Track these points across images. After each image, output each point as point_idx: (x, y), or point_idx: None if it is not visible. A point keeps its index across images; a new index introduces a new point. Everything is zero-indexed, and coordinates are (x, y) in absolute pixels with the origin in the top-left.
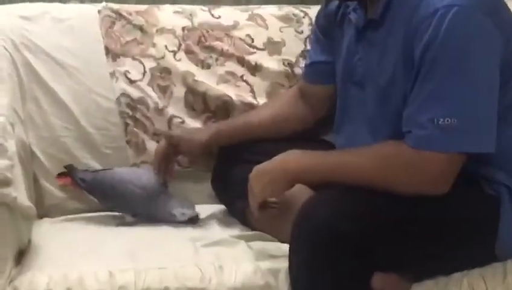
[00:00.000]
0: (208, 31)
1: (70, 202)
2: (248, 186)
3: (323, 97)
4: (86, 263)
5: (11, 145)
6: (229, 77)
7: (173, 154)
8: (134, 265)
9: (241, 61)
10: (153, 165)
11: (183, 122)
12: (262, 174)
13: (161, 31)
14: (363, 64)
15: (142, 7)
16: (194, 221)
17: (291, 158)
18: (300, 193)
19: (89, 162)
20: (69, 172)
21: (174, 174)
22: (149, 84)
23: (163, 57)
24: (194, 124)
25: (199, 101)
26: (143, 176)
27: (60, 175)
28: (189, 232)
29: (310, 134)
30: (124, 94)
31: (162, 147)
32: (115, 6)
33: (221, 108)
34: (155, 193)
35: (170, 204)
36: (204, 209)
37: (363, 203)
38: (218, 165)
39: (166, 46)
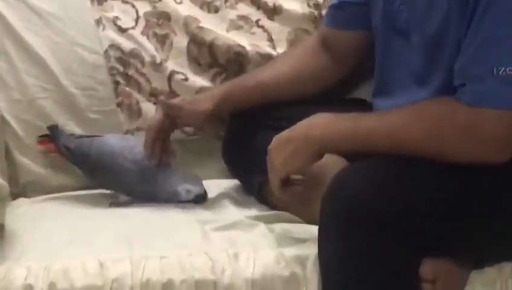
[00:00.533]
0: None
1: (53, 177)
2: (267, 160)
3: (352, 46)
4: (71, 252)
5: None
6: (242, 23)
7: (171, 129)
8: (130, 253)
9: (257, 3)
10: (145, 144)
11: (186, 79)
12: (284, 144)
13: None
14: (408, 8)
15: None
16: (201, 200)
17: (319, 123)
18: (332, 164)
19: (72, 129)
20: (51, 135)
21: (173, 153)
22: (143, 33)
23: None
24: (199, 81)
25: (205, 53)
26: (137, 146)
27: (42, 139)
28: (196, 213)
29: (338, 92)
30: (113, 46)
31: (157, 121)
32: None
33: (233, 61)
34: (152, 168)
35: (172, 180)
36: (214, 186)
37: (409, 174)
38: (230, 133)
39: None
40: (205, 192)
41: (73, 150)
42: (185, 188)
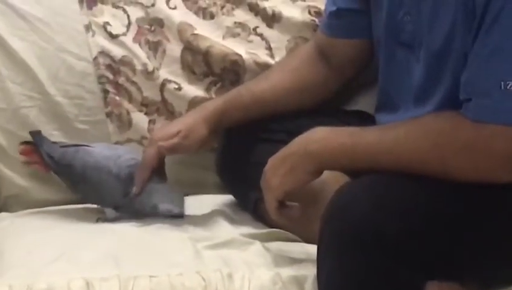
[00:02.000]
0: None
1: (37, 190)
2: (262, 182)
3: (351, 56)
4: (56, 270)
5: None
6: (239, 30)
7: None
8: (118, 272)
9: (254, 9)
10: (136, 182)
11: (179, 88)
12: (280, 163)
13: None
14: (412, 19)
15: None
16: (177, 217)
17: (317, 138)
18: (332, 180)
19: (58, 140)
20: (34, 142)
21: (165, 179)
22: (135, 39)
23: (153, 4)
24: (193, 91)
25: (200, 62)
26: (124, 156)
27: (24, 147)
28: (189, 230)
29: (336, 104)
30: (103, 53)
31: (151, 158)
32: None
33: (229, 70)
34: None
35: (155, 196)
36: (208, 201)
37: (412, 192)
38: (225, 146)
39: None
40: (182, 213)
41: (57, 160)
42: (166, 208)
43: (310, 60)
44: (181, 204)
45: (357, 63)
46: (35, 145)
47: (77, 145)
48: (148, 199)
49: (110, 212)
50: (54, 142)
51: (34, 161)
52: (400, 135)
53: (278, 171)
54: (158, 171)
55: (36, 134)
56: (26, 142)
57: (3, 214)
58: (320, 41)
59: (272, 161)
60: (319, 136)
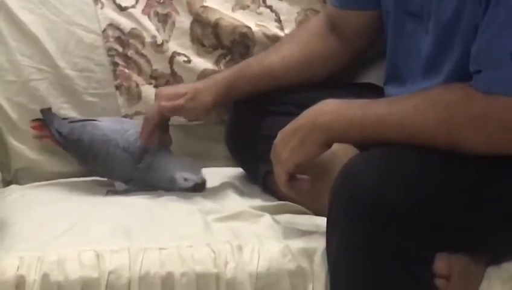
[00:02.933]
0: None
1: (47, 163)
2: (272, 155)
3: (361, 27)
4: (66, 243)
5: None
6: (248, 2)
7: (169, 118)
8: (128, 245)
9: None
10: (141, 135)
11: (188, 61)
12: (290, 135)
13: None
14: None
15: None
16: (200, 188)
17: (327, 110)
18: (342, 153)
19: (68, 113)
20: (45, 119)
21: (170, 142)
22: (144, 12)
23: None
24: (202, 63)
25: (209, 34)
26: (131, 130)
27: (35, 123)
28: (198, 203)
29: (346, 77)
30: (112, 25)
31: (155, 113)
32: None
33: (238, 43)
34: (147, 155)
35: (169, 167)
36: (217, 174)
37: (422, 164)
38: (234, 119)
39: None
40: (204, 180)
41: (65, 136)
42: (182, 176)
43: (320, 32)
44: (198, 171)
45: (367, 35)
46: (45, 122)
47: (85, 120)
48: (163, 174)
49: (119, 185)
50: (64, 118)
51: (44, 135)
52: (409, 107)
53: (288, 143)
54: (162, 132)
55: (46, 111)
56: (36, 119)
57: (13, 186)
58: (331, 13)
59: (282, 134)
60: (329, 109)
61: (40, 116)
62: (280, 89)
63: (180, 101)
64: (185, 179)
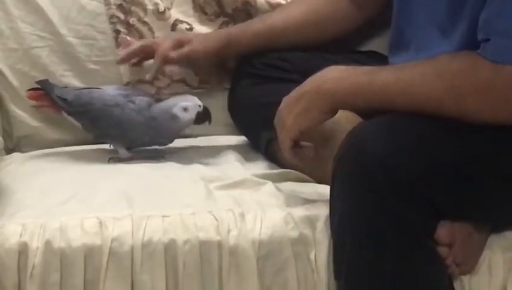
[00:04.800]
0: None
1: (49, 130)
2: (276, 122)
3: None
4: (69, 210)
5: None
6: None
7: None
8: (131, 212)
9: None
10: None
11: (191, 29)
12: (294, 102)
13: None
14: None
15: None
16: (204, 117)
17: (332, 76)
18: (346, 121)
19: (70, 81)
20: (43, 89)
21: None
22: None
23: None
24: (204, 31)
25: (211, 2)
26: (137, 96)
27: (32, 93)
28: (200, 170)
29: (352, 44)
30: None
31: (163, 49)
32: None
33: (241, 11)
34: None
35: (166, 106)
36: (220, 142)
37: (426, 132)
38: (237, 86)
39: None
40: (204, 106)
41: (71, 101)
42: (180, 107)
43: None
44: (195, 99)
45: (379, 0)
46: (43, 90)
47: (89, 88)
48: (164, 116)
49: (123, 152)
50: (65, 87)
51: (43, 104)
52: (416, 75)
53: (292, 110)
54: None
55: (44, 82)
56: (33, 89)
57: (16, 154)
58: None
59: (286, 100)
60: (334, 75)
61: (35, 86)
62: (280, 48)
63: (185, 49)
64: (185, 109)
